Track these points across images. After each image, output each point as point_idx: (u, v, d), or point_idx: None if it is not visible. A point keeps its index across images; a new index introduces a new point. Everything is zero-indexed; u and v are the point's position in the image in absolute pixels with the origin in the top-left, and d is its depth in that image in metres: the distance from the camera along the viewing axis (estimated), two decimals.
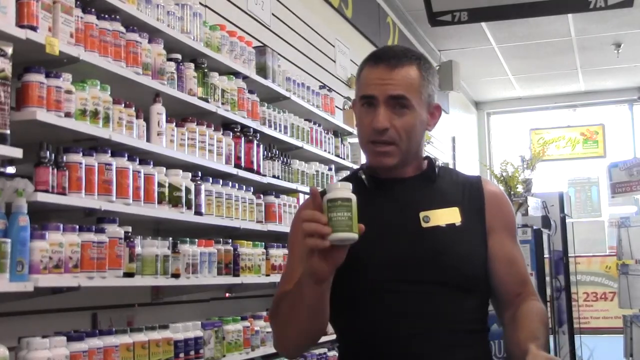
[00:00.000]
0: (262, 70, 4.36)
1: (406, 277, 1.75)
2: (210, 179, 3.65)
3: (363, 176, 1.88)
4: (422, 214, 1.81)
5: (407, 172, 1.88)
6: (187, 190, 3.38)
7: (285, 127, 4.57)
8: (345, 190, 1.56)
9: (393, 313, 1.75)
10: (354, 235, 1.54)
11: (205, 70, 3.66)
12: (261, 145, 4.17)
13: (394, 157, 1.81)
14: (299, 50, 5.64)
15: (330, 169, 5.18)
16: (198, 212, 3.48)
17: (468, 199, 1.87)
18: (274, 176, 4.31)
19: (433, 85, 1.87)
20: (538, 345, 1.65)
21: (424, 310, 1.75)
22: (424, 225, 1.80)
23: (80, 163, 2.69)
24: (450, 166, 10.08)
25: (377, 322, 1.76)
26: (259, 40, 4.78)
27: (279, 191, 4.35)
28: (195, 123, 3.53)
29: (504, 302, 1.87)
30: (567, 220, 7.56)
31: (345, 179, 2.02)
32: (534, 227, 5.93)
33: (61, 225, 2.59)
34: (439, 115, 1.90)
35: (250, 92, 4.12)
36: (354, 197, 1.56)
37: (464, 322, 1.78)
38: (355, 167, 5.25)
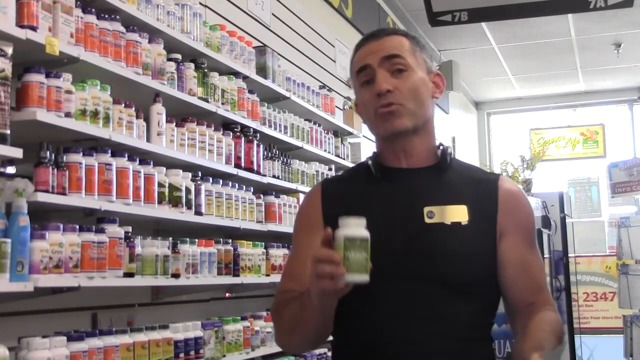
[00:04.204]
0: (262, 70, 4.36)
1: (401, 274, 1.67)
2: (210, 179, 3.65)
3: (370, 162, 1.80)
4: (426, 209, 1.71)
5: (418, 160, 1.78)
6: (187, 190, 3.38)
7: (285, 127, 4.57)
8: (361, 228, 1.49)
9: (385, 312, 1.67)
10: (367, 278, 1.48)
11: (205, 70, 3.66)
12: (261, 145, 4.17)
13: (404, 118, 1.72)
14: (299, 50, 5.64)
15: (330, 169, 5.18)
16: (198, 212, 3.48)
17: (480, 197, 1.76)
18: (274, 176, 4.31)
19: (426, 55, 1.82)
20: (541, 355, 1.54)
21: (417, 312, 1.66)
22: (427, 220, 1.70)
23: (80, 163, 2.69)
24: None
25: (368, 321, 1.68)
26: (259, 40, 4.78)
27: (279, 191, 4.35)
28: (195, 123, 3.53)
29: (516, 310, 1.76)
30: (567, 220, 7.55)
31: (354, 169, 1.94)
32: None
33: (61, 225, 2.59)
34: (443, 83, 1.84)
35: (250, 92, 4.12)
36: (369, 235, 1.49)
37: (460, 328, 1.68)
38: None
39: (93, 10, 2.85)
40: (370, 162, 1.80)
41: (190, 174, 3.43)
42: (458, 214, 1.72)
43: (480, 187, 1.78)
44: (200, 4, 4.06)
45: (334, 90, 5.84)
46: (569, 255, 7.57)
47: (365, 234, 1.48)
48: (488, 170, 1.94)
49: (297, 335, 1.70)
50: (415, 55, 1.79)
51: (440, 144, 1.83)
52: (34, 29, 2.48)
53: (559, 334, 1.70)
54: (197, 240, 3.46)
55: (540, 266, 1.81)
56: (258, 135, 4.13)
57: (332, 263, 1.45)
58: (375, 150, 1.85)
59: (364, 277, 1.47)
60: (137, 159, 3.05)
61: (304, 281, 1.65)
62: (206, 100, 3.64)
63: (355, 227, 1.48)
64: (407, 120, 1.73)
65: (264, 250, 4.10)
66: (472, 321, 1.71)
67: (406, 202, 1.74)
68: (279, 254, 4.21)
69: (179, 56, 3.47)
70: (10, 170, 2.50)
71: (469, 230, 1.71)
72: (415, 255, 1.68)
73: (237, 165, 3.90)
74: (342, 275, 1.45)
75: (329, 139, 5.26)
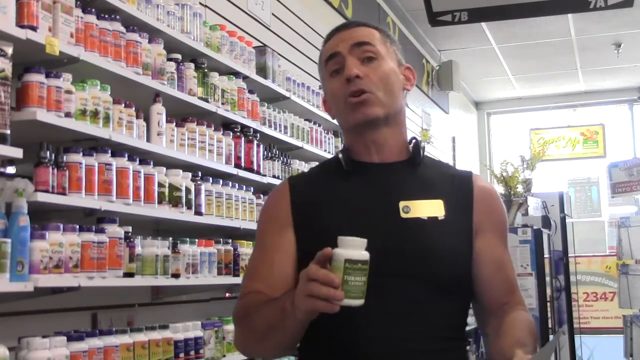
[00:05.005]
0: (262, 70, 4.36)
1: (378, 271, 1.52)
2: (210, 179, 3.65)
3: (340, 156, 1.73)
4: (402, 204, 1.66)
5: (390, 154, 1.74)
6: (187, 190, 3.38)
7: (285, 127, 4.57)
8: (362, 249, 1.41)
9: (360, 309, 1.51)
10: (363, 302, 1.41)
11: (205, 70, 3.66)
12: (261, 145, 4.17)
13: (375, 106, 1.68)
14: (299, 50, 5.64)
15: None
16: (198, 212, 3.48)
17: (455, 192, 1.72)
18: (274, 176, 4.31)
19: (397, 48, 1.80)
20: (526, 352, 1.50)
21: (392, 308, 1.60)
22: (403, 215, 1.65)
23: (80, 163, 2.69)
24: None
25: (340, 319, 1.51)
26: (259, 40, 4.78)
27: None
28: (195, 123, 3.53)
29: (489, 310, 1.72)
30: (567, 220, 7.56)
31: (322, 165, 1.88)
32: (534, 227, 5.92)
33: (61, 225, 2.59)
34: (414, 76, 1.81)
35: (250, 92, 4.12)
36: (369, 256, 1.41)
37: (437, 327, 1.63)
38: None
39: (93, 10, 2.85)
40: (340, 155, 1.73)
41: (190, 174, 3.44)
42: (434, 208, 1.68)
43: (454, 183, 1.75)
44: (200, 4, 4.06)
45: None
46: (569, 255, 7.58)
47: (367, 256, 1.41)
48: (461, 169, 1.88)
49: (270, 341, 1.61)
50: (386, 45, 1.76)
51: (413, 138, 1.79)
52: (34, 29, 2.48)
53: (535, 335, 1.66)
54: (197, 240, 3.47)
55: (513, 266, 1.79)
56: (258, 135, 4.13)
57: (331, 286, 1.37)
58: (345, 145, 1.79)
59: (359, 301, 1.41)
60: (137, 159, 3.05)
61: (272, 282, 1.63)
62: (206, 100, 3.64)
63: (356, 249, 1.41)
64: (378, 109, 1.68)
65: None
66: (450, 320, 1.68)
67: (380, 197, 1.69)
68: None
69: (179, 56, 3.48)
70: (10, 170, 2.50)
71: (446, 225, 1.67)
72: (393, 252, 1.62)
73: (237, 165, 3.90)
74: (340, 299, 1.38)
75: (329, 139, 5.27)
